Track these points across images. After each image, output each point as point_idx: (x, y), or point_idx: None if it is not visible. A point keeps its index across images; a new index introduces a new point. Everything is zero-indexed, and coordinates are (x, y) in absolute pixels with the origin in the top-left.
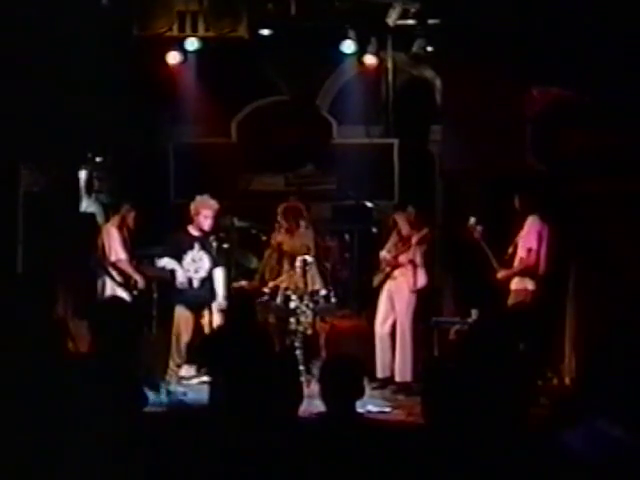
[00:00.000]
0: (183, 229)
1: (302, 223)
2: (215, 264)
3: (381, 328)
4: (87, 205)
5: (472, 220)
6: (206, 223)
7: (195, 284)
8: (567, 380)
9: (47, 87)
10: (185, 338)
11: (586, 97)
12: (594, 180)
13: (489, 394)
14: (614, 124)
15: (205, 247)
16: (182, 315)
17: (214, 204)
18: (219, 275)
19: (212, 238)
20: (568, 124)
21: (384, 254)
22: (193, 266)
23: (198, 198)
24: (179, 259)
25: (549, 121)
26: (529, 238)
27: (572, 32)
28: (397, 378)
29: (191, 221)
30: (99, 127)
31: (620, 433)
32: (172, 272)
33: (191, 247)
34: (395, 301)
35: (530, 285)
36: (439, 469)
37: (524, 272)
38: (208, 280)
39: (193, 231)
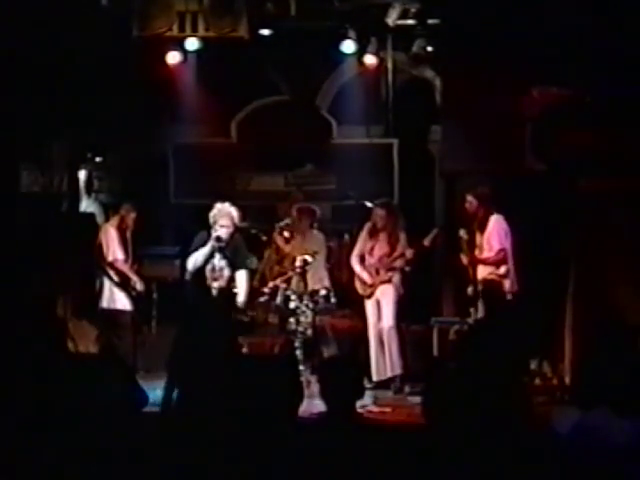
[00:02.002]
0: (208, 232)
1: (315, 225)
2: (235, 268)
3: (372, 331)
4: (87, 205)
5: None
6: (223, 232)
7: (213, 293)
8: (567, 380)
9: (47, 87)
10: None
11: (586, 97)
12: (594, 180)
13: (489, 394)
14: (614, 124)
15: (227, 256)
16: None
17: (232, 212)
18: (241, 278)
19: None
20: (568, 124)
21: (359, 259)
22: (211, 275)
23: (217, 206)
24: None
25: (549, 121)
26: (497, 238)
27: (572, 32)
28: (388, 374)
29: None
30: (99, 127)
31: (613, 424)
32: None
33: (212, 255)
34: (381, 303)
35: (500, 270)
36: (439, 469)
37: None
38: (227, 290)
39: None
